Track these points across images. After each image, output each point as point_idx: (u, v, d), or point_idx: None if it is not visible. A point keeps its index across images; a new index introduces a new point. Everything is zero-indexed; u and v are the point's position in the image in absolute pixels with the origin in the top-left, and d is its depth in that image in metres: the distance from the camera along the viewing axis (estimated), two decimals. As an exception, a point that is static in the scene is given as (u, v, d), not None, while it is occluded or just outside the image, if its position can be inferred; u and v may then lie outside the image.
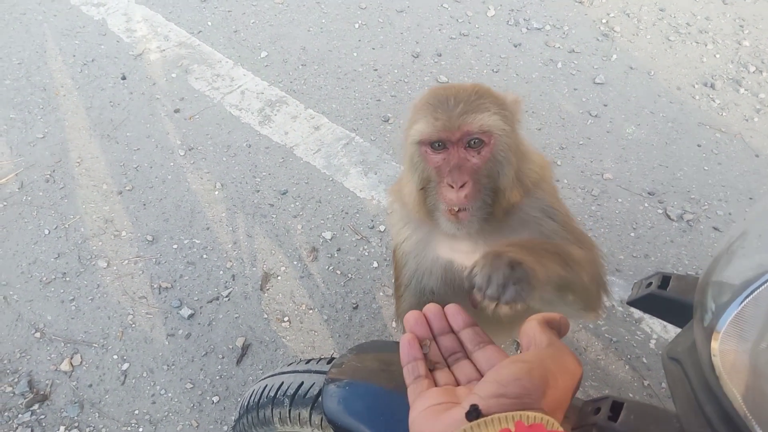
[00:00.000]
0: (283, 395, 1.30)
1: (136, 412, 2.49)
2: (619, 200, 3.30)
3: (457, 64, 4.06)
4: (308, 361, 1.38)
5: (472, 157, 1.42)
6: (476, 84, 1.49)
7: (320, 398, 1.20)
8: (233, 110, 3.74)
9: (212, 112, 3.73)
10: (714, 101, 3.87)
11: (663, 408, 0.84)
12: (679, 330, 0.97)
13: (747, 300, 0.68)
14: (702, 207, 3.28)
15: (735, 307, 0.69)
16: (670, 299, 0.99)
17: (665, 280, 1.02)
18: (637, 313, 2.85)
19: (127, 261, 3.00)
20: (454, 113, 1.38)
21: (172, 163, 3.44)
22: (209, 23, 4.38)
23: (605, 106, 3.79)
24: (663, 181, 3.39)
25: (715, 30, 4.38)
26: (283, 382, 1.34)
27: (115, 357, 2.65)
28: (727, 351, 0.68)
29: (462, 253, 1.60)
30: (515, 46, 4.20)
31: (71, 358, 2.64)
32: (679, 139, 3.62)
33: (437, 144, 1.43)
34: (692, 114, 3.79)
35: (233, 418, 1.61)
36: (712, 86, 3.95)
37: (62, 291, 2.88)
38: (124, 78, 3.94)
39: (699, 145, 3.60)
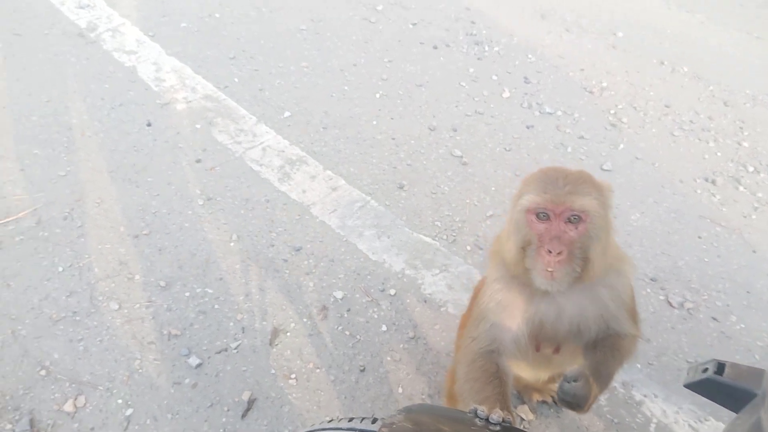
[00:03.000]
0: None
1: (137, 459, 2.46)
2: (624, 285, 3.37)
3: (472, 141, 4.22)
4: (350, 419, 1.41)
5: (570, 231, 1.70)
6: (581, 170, 1.78)
7: None
8: (254, 165, 3.84)
9: (233, 166, 3.83)
10: (715, 196, 4.02)
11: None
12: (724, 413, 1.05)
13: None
14: (702, 296, 3.37)
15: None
16: (728, 385, 1.07)
17: (720, 366, 1.10)
18: (638, 395, 2.88)
19: (138, 305, 3.02)
20: (561, 191, 1.67)
21: (190, 212, 3.51)
22: (236, 79, 4.54)
23: (611, 192, 3.93)
24: (665, 269, 3.49)
25: (716, 129, 4.59)
26: None
27: (120, 401, 2.64)
28: None
29: (544, 308, 1.88)
30: (528, 128, 4.38)
31: (75, 399, 2.62)
32: (681, 230, 3.74)
33: (542, 214, 1.71)
34: (694, 207, 3.93)
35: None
36: (713, 182, 4.12)
37: (71, 330, 2.88)
38: (149, 125, 4.05)
39: (700, 237, 3.72)
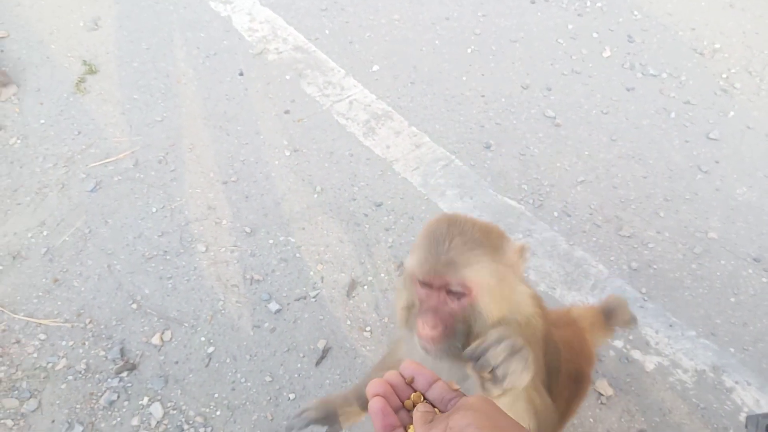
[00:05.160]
0: None
1: (216, 395, 2.57)
2: (722, 262, 3.16)
3: (567, 101, 4.02)
4: None
5: (452, 303, 1.47)
6: (484, 226, 1.51)
7: None
8: (340, 119, 3.84)
9: (320, 118, 3.84)
10: (835, 174, 3.65)
11: None
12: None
13: None
14: (811, 282, 3.10)
15: None
16: None
17: None
18: (728, 382, 2.71)
19: (224, 249, 3.12)
20: (440, 260, 1.42)
21: (277, 162, 3.56)
22: (327, 31, 4.51)
23: (717, 162, 3.66)
24: (772, 249, 3.23)
25: None
26: None
27: (203, 339, 2.76)
28: None
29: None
30: (628, 90, 4.11)
31: (162, 333, 2.76)
32: (793, 208, 3.44)
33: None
34: (810, 184, 3.60)
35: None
36: (835, 158, 3.74)
37: (162, 268, 3.02)
38: (241, 74, 4.12)
39: (814, 217, 3.41)
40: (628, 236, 3.25)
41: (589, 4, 4.84)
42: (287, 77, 4.12)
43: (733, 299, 3.02)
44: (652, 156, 3.68)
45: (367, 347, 2.76)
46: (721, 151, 3.73)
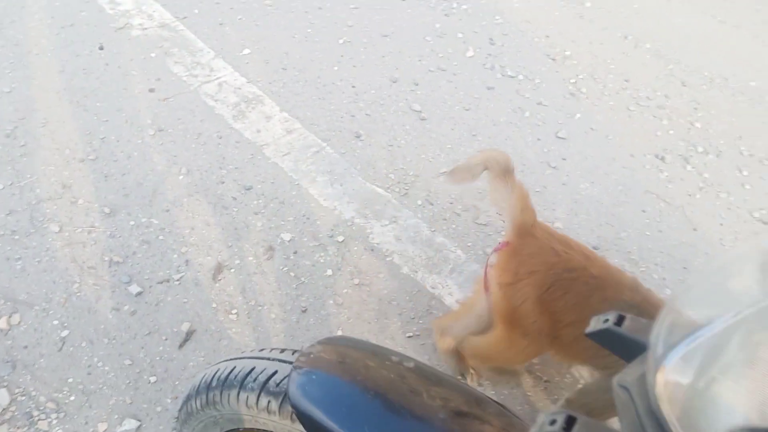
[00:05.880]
0: (254, 381, 1.33)
1: (70, 380, 2.45)
2: (565, 249, 3.48)
3: (432, 96, 4.22)
4: (261, 350, 1.41)
5: None
6: None
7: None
8: (208, 100, 3.76)
9: (187, 98, 3.74)
10: (662, 173, 4.15)
11: (611, 427, 0.96)
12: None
13: (691, 344, 0.80)
14: (640, 268, 3.50)
15: (680, 349, 0.81)
16: (623, 336, 1.10)
17: (620, 319, 1.14)
18: (567, 356, 3.01)
19: (80, 229, 2.96)
20: None
21: (139, 141, 3.42)
22: (196, 11, 4.39)
23: (564, 160, 4.02)
24: (607, 239, 3.61)
25: (671, 108, 4.71)
26: (254, 367, 1.35)
27: (56, 323, 2.60)
28: (669, 383, 0.81)
29: None
30: (488, 89, 4.40)
31: (9, 317, 2.58)
32: (626, 203, 3.86)
33: None
34: (641, 181, 4.05)
35: (182, 398, 1.62)
36: (663, 159, 4.24)
37: (9, 248, 2.81)
38: (101, 48, 3.90)
39: (644, 211, 3.85)
40: (485, 224, 3.49)
41: (455, 5, 5.10)
42: (152, 55, 3.96)
43: (572, 282, 3.34)
44: (507, 151, 3.96)
45: (233, 329, 2.75)
46: (568, 150, 4.10)
